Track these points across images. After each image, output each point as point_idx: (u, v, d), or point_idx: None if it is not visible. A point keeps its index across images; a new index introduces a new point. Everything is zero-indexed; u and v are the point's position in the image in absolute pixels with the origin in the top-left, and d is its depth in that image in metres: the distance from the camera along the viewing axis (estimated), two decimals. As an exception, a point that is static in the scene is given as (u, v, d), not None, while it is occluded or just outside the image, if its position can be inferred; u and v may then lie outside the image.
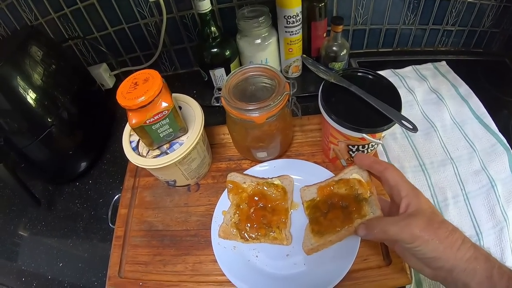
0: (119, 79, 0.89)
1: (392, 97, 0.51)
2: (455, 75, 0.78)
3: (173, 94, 0.55)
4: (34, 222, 0.69)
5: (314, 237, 0.50)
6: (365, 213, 0.46)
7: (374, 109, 0.50)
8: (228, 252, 0.53)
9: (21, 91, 0.58)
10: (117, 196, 0.68)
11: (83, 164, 0.72)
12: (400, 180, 0.42)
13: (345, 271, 0.48)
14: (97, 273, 0.60)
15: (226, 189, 0.59)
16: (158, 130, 0.52)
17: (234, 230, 0.55)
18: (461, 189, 0.61)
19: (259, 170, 0.62)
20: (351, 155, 0.56)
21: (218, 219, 0.57)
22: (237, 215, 0.56)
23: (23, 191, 0.63)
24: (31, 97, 0.59)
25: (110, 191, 0.71)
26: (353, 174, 0.49)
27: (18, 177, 0.61)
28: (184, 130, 0.55)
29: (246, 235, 0.54)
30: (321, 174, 0.59)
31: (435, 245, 0.36)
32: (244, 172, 0.61)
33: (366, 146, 0.54)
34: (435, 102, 0.73)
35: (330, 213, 0.50)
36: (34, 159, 0.65)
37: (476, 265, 0.35)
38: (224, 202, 0.58)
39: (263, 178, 0.60)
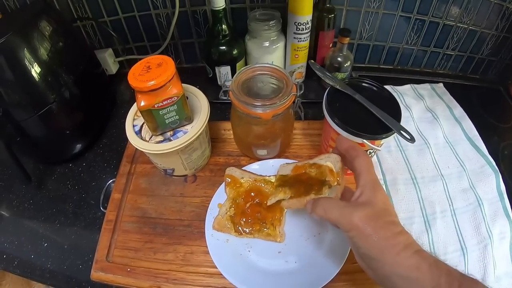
0: (123, 66, 0.89)
1: (393, 109, 0.53)
2: (451, 97, 0.81)
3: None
4: (21, 199, 0.67)
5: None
6: (322, 193, 0.45)
7: (376, 117, 0.52)
8: (221, 244, 0.54)
9: (27, 63, 0.57)
10: (110, 181, 0.67)
11: (79, 146, 0.72)
12: (364, 170, 0.39)
13: (335, 272, 0.49)
14: (82, 256, 0.59)
15: (224, 183, 0.59)
16: (164, 116, 0.52)
17: (229, 223, 0.55)
18: (449, 205, 0.62)
19: (257, 168, 0.62)
20: (348, 160, 0.58)
21: (213, 211, 0.57)
22: (232, 208, 0.56)
23: (15, 165, 0.62)
24: (35, 70, 0.58)
25: (103, 175, 0.70)
26: (327, 162, 0.48)
27: (12, 151, 0.60)
28: (189, 120, 0.56)
29: (240, 229, 0.54)
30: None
31: (372, 243, 0.34)
32: (243, 168, 0.62)
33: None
34: (430, 120, 0.76)
35: (294, 187, 0.49)
36: (30, 134, 0.64)
37: (419, 274, 0.32)
38: (221, 195, 0.59)
39: (260, 176, 0.60)
